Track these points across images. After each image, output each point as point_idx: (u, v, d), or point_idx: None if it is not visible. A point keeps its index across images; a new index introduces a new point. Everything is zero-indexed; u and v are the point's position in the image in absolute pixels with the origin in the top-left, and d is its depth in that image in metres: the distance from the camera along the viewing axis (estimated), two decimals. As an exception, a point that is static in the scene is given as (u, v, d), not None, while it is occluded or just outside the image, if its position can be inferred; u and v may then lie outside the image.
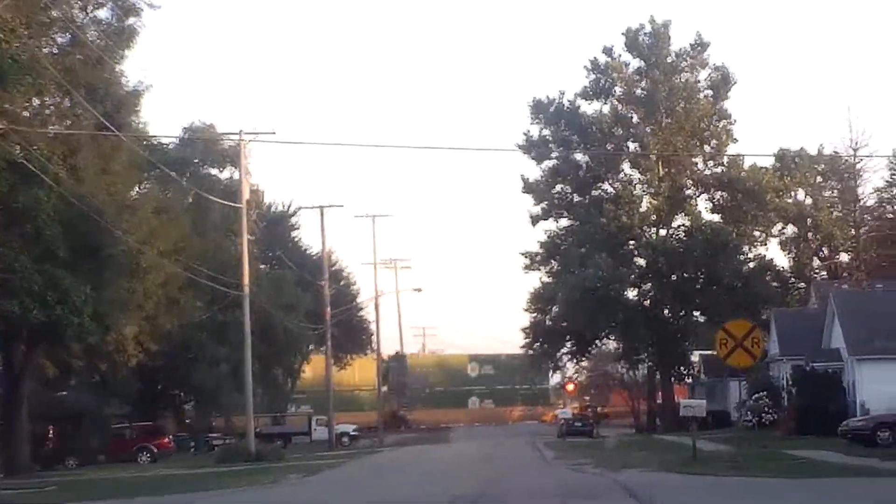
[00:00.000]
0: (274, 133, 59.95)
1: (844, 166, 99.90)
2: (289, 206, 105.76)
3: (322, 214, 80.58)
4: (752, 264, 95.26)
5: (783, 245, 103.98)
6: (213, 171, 78.05)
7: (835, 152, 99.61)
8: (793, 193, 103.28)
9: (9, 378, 54.29)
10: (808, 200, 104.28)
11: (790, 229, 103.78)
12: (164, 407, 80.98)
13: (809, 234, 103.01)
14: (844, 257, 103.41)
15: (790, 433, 58.75)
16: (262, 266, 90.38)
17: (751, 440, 55.20)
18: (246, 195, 58.63)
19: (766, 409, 72.49)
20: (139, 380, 74.37)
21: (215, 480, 42.00)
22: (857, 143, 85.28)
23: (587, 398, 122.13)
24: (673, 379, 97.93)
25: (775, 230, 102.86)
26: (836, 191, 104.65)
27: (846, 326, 62.40)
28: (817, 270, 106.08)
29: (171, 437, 71.37)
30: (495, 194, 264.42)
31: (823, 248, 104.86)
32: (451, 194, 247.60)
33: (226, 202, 62.79)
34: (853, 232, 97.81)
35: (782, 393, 74.59)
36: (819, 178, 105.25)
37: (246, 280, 59.05)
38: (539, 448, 60.61)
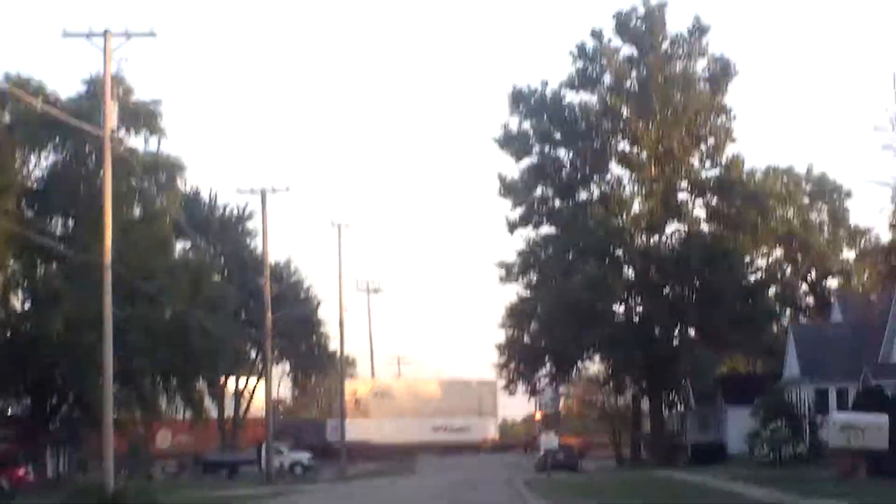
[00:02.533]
0: (154, 35, 37.91)
1: (833, 187, 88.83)
2: (244, 209, 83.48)
3: (263, 199, 61.80)
4: (753, 277, 79.15)
5: (768, 268, 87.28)
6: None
7: (823, 173, 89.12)
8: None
9: None
10: (796, 221, 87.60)
11: (777, 252, 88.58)
12: (59, 428, 59.32)
13: (798, 256, 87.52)
14: (833, 282, 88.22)
15: (848, 474, 38.16)
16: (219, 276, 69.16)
17: (805, 484, 36.87)
18: (112, 122, 40.04)
19: (786, 443, 56.00)
20: (29, 400, 56.71)
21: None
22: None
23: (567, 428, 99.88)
24: (664, 406, 79.79)
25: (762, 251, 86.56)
26: (824, 212, 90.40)
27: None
28: (804, 295, 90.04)
29: (28, 467, 50.68)
30: (470, 202, 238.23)
31: (811, 272, 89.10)
32: (421, 202, 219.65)
33: (84, 125, 43.02)
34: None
35: (806, 422, 58.01)
36: (806, 200, 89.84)
37: (108, 243, 39.31)
38: (524, 496, 41.23)
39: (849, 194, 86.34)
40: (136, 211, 56.30)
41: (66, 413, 57.96)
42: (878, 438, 19.93)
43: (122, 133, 53.17)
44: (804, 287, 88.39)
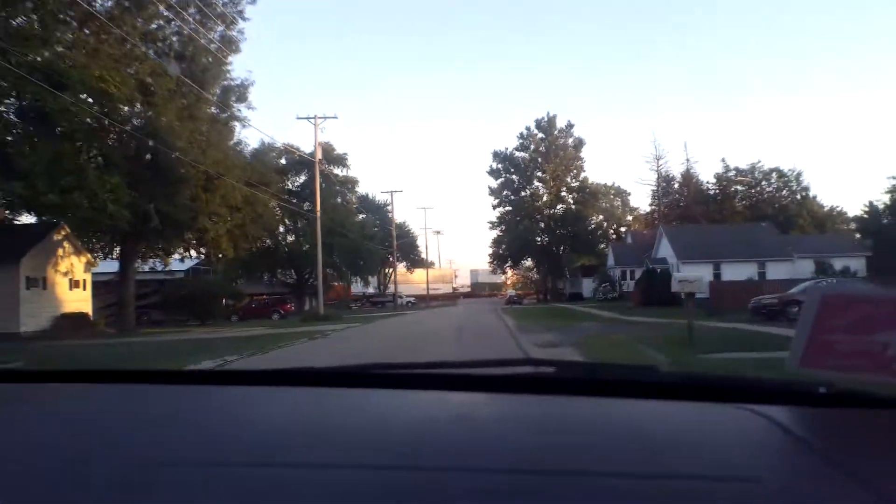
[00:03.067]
0: (336, 117, 30.99)
1: (623, 191, 78.20)
2: (385, 203, 76.77)
3: (392, 196, 57.38)
4: (592, 227, 70.38)
5: (598, 223, 75.57)
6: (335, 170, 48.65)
7: (619, 185, 78.41)
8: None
9: (121, 264, 26.38)
10: (610, 206, 76.77)
11: (600, 217, 75.79)
12: (308, 290, 50.62)
13: (609, 219, 74.79)
14: (623, 229, 75.68)
15: (639, 305, 34.31)
16: (374, 228, 62.20)
17: (627, 311, 30.75)
18: (319, 155, 31.52)
19: (609, 292, 50.85)
20: (294, 276, 49.38)
21: (234, 345, 16.29)
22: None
23: (518, 287, 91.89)
24: (558, 278, 71.79)
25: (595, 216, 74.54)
26: (619, 201, 78.75)
27: (675, 243, 39.81)
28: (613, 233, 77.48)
29: (291, 305, 42.77)
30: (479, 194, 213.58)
31: (615, 225, 76.11)
32: (463, 194, 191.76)
33: (305, 155, 36.46)
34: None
35: (616, 284, 50.23)
36: (612, 195, 78.27)
37: (318, 207, 33.74)
38: (501, 316, 33.49)
39: (629, 193, 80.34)
40: (338, 199, 49.42)
41: (310, 282, 50.28)
42: (700, 286, 13.25)
43: (329, 166, 46.69)
44: (612, 231, 79.83)
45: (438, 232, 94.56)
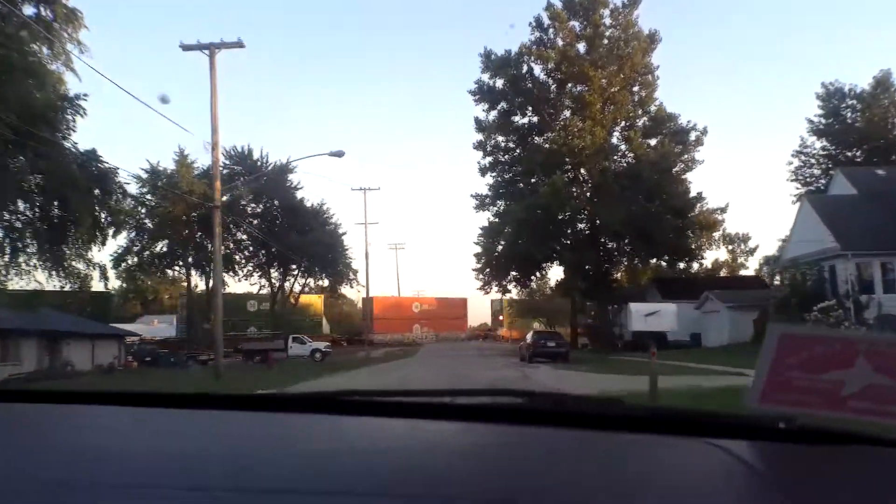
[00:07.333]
0: None
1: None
2: (287, 161, 41.16)
3: (212, 54, 16.05)
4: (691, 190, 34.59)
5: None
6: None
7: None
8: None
9: None
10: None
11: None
12: None
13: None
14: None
15: None
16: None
17: None
18: None
19: (842, 320, 12.03)
20: None
21: None
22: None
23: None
24: (607, 304, 36.82)
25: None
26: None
27: None
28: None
29: None
30: (453, 171, 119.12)
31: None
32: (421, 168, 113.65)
33: None
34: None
35: (855, 303, 13.48)
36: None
37: None
38: None
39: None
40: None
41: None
42: None
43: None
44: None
45: (398, 246, 59.16)
